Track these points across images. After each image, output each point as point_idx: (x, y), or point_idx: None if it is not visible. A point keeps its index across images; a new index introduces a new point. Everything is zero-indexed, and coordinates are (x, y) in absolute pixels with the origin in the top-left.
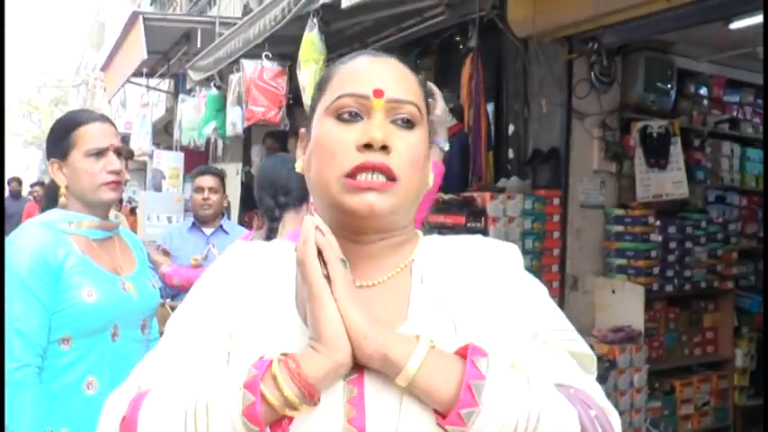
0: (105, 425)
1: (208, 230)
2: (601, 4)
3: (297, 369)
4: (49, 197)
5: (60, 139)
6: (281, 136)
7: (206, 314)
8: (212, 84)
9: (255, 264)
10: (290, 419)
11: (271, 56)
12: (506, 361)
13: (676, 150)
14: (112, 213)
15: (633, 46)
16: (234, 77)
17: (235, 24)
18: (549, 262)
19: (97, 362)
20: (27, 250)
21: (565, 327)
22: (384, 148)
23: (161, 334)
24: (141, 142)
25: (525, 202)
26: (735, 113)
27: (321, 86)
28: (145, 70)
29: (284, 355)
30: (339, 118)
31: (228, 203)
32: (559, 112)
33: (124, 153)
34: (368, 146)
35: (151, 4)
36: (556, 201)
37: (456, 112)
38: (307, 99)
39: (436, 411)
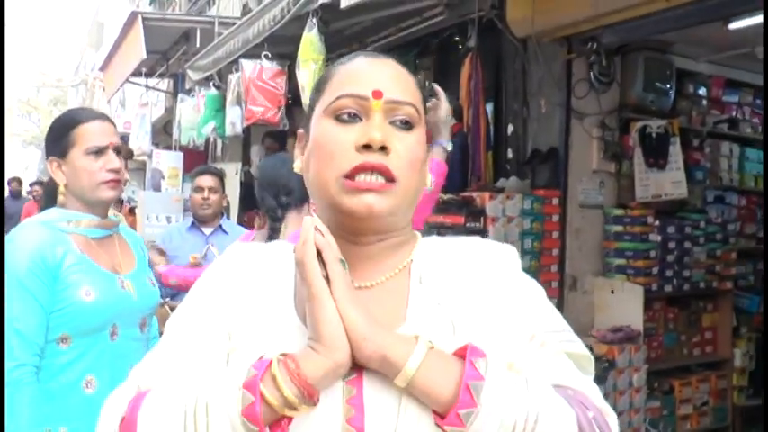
0: (104, 425)
1: (207, 230)
2: (600, 5)
3: (296, 369)
4: (48, 196)
5: (60, 138)
6: (280, 136)
7: (205, 315)
8: (211, 83)
9: (254, 265)
10: (290, 419)
11: (270, 56)
12: (504, 361)
13: (675, 150)
14: (111, 213)
15: (632, 46)
16: (233, 77)
17: (234, 24)
18: (548, 262)
19: (96, 361)
20: (25, 250)
21: (562, 328)
22: (383, 148)
23: (161, 333)
24: (140, 142)
25: (524, 202)
26: (734, 113)
27: (319, 87)
28: (144, 70)
29: (283, 355)
30: (338, 119)
31: (228, 203)
32: (558, 112)
33: (124, 153)
34: (367, 146)
35: (150, 4)
36: (555, 201)
37: (455, 112)
38: (306, 99)
39: (435, 412)
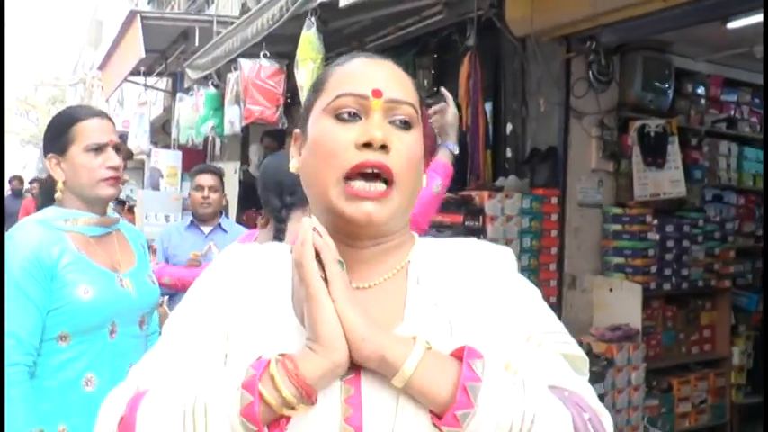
0: (103, 425)
1: (206, 229)
2: (599, 4)
3: (294, 369)
4: (46, 193)
5: (59, 135)
6: (278, 135)
7: (203, 315)
8: (210, 82)
9: (252, 265)
10: (288, 419)
11: (269, 55)
12: (501, 362)
13: (674, 149)
14: (110, 210)
15: (631, 45)
16: (232, 76)
17: (232, 23)
18: (546, 261)
19: (96, 359)
20: (20, 250)
21: (558, 329)
22: (383, 147)
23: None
24: (139, 141)
25: (523, 200)
26: (732, 113)
27: (317, 87)
28: (142, 69)
29: (282, 355)
30: (338, 117)
31: (227, 202)
32: (557, 112)
33: (123, 152)
34: (367, 145)
35: (149, 3)
36: (554, 200)
37: None
38: (304, 98)
39: (432, 412)
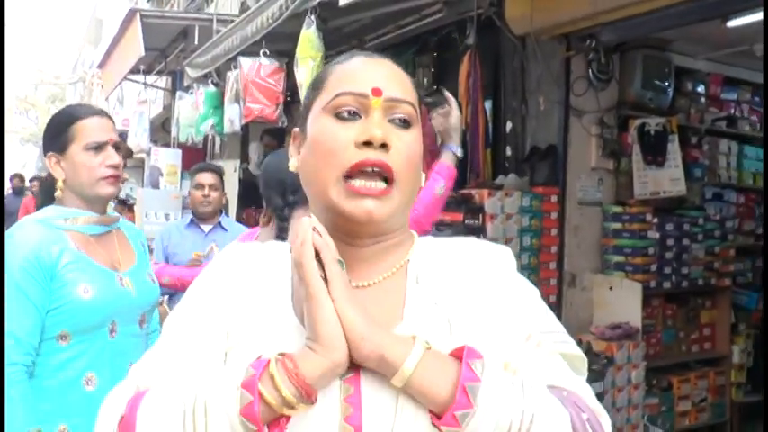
0: (103, 424)
1: (206, 227)
2: (599, 2)
3: (294, 369)
4: (45, 192)
5: (59, 133)
6: (278, 133)
7: (203, 314)
8: (210, 81)
9: (252, 264)
10: (288, 418)
11: (268, 53)
12: (500, 361)
13: (674, 148)
14: (110, 209)
15: (631, 44)
16: (231, 74)
17: (232, 21)
18: (546, 259)
19: (96, 358)
20: (19, 249)
21: (556, 329)
22: (383, 145)
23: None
24: (139, 139)
25: (523, 199)
26: (732, 111)
27: (316, 86)
28: (142, 67)
29: (282, 354)
30: (337, 116)
31: (227, 201)
32: (557, 110)
33: (123, 151)
34: (367, 143)
35: (148, 1)
36: (553, 198)
37: None
38: (304, 96)
39: (431, 411)
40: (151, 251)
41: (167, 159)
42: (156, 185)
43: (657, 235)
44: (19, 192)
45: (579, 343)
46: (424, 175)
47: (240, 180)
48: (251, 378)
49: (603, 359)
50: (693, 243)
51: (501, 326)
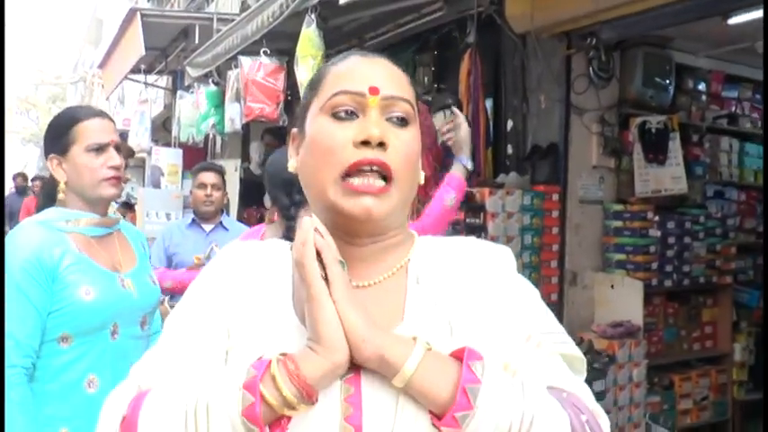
0: (105, 424)
1: (207, 227)
2: (600, 0)
3: (295, 370)
4: (47, 194)
5: (60, 135)
6: (279, 132)
7: (204, 313)
8: (210, 80)
9: (252, 263)
10: (289, 418)
11: (269, 52)
12: (500, 362)
13: (675, 146)
14: (111, 210)
15: (631, 41)
16: (232, 74)
17: (232, 21)
18: (548, 257)
19: (97, 360)
20: (22, 251)
21: (556, 329)
22: (381, 144)
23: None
24: (140, 139)
25: (524, 197)
26: (733, 109)
27: (313, 86)
28: (143, 67)
29: (283, 355)
30: (335, 116)
31: (228, 200)
32: (558, 108)
33: (124, 151)
34: (365, 143)
35: (149, 1)
36: (555, 196)
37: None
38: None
39: (431, 412)
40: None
41: (168, 159)
42: (157, 185)
43: (659, 233)
44: (22, 191)
45: (581, 341)
46: (423, 174)
47: (241, 179)
48: (252, 379)
49: (605, 357)
50: (695, 241)
51: (501, 326)
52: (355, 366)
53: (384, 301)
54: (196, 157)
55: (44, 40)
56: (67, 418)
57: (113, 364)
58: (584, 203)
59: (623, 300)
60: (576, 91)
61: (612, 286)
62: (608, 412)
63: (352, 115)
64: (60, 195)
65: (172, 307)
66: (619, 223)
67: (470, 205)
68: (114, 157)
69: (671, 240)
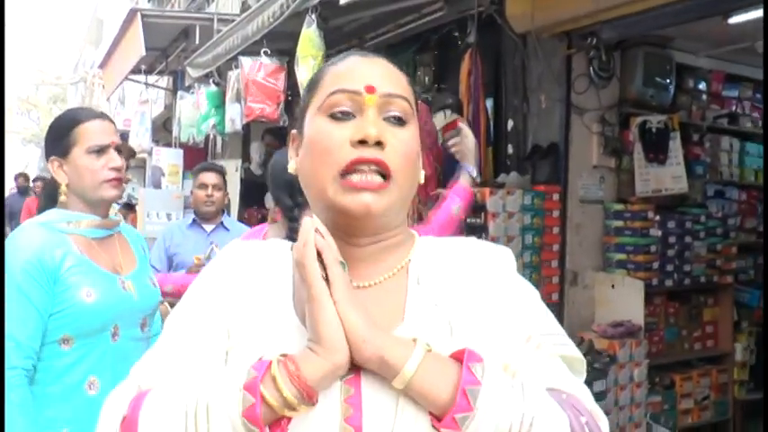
0: (105, 424)
1: (208, 227)
2: (600, 0)
3: (296, 371)
4: (47, 196)
5: (61, 137)
6: (279, 132)
7: (204, 312)
8: (211, 80)
9: (253, 262)
10: (289, 419)
11: (269, 52)
12: (500, 363)
13: (675, 145)
14: (113, 212)
15: (632, 41)
16: (232, 74)
17: (233, 21)
18: (548, 257)
19: (98, 362)
20: (22, 253)
21: (556, 331)
22: (378, 143)
23: None
24: (140, 139)
25: (525, 197)
26: (734, 108)
27: (311, 87)
28: (143, 67)
29: (283, 356)
30: (332, 116)
31: (228, 200)
32: (558, 108)
33: (125, 152)
34: (362, 142)
35: (149, 1)
36: (555, 196)
37: (455, 107)
38: None
39: (431, 413)
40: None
41: (169, 159)
42: (157, 185)
43: (659, 233)
44: (23, 191)
45: (581, 341)
46: (423, 172)
47: (242, 180)
48: (253, 380)
49: (606, 357)
50: (695, 241)
51: (501, 327)
52: (355, 367)
53: (384, 302)
54: (197, 157)
55: (45, 40)
56: (68, 420)
57: (114, 365)
58: (584, 203)
59: (624, 299)
60: (577, 91)
61: (613, 286)
62: (609, 412)
63: (349, 115)
64: (62, 197)
65: (172, 306)
66: (619, 223)
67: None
68: (115, 159)
69: (671, 240)
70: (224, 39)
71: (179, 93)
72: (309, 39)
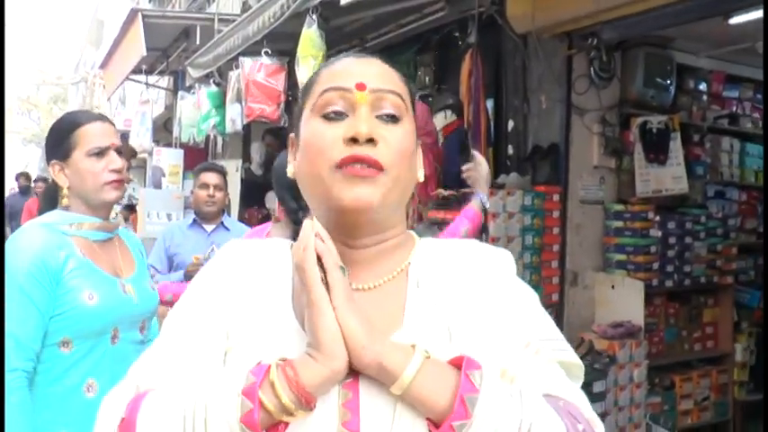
0: (103, 426)
1: (209, 227)
2: (601, 0)
3: (295, 377)
4: (47, 199)
5: (61, 141)
6: (280, 133)
7: (203, 312)
8: (212, 81)
9: (252, 261)
10: (286, 424)
11: (270, 52)
12: (498, 369)
13: (676, 146)
14: (113, 212)
15: (632, 41)
16: (233, 74)
17: (234, 21)
18: (548, 258)
19: (97, 364)
20: (26, 253)
21: (554, 336)
22: (371, 141)
23: None
24: (141, 139)
25: (525, 198)
26: (734, 109)
27: (306, 90)
28: (144, 67)
29: (282, 360)
30: (325, 117)
31: (229, 201)
32: (559, 108)
33: (126, 152)
34: (354, 139)
35: (150, 1)
36: (555, 197)
37: (455, 108)
38: None
39: (429, 419)
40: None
41: (169, 159)
42: (158, 185)
43: (659, 233)
44: (25, 191)
45: (581, 342)
46: (422, 171)
47: (242, 180)
48: (251, 385)
49: (605, 358)
50: (695, 241)
51: (500, 333)
52: (354, 371)
53: (384, 305)
54: (197, 157)
55: (45, 40)
56: (66, 423)
57: (113, 368)
58: (584, 204)
59: (624, 300)
60: (577, 91)
61: (613, 286)
62: (608, 413)
63: (342, 115)
64: (64, 201)
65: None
66: (619, 223)
67: None
68: (116, 161)
69: (672, 240)
70: (225, 39)
71: (180, 93)
72: (310, 39)
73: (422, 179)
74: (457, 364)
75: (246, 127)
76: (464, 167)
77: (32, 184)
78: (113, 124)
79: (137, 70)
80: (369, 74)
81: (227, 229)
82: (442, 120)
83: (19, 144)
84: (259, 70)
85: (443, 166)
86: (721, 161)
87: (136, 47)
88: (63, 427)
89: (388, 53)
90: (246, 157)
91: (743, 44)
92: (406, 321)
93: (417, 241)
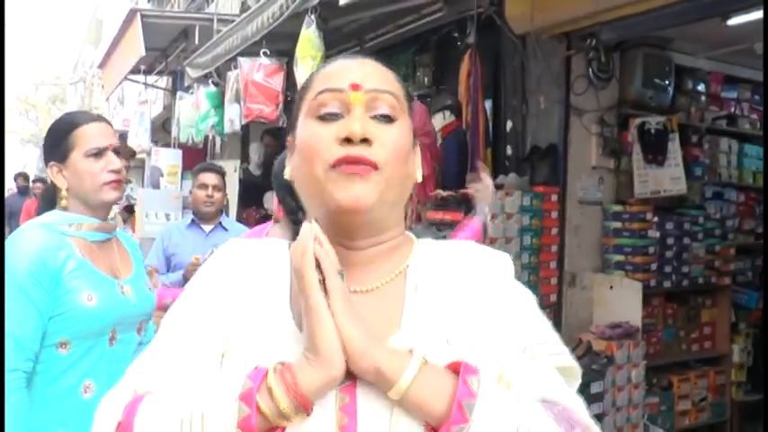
0: (100, 428)
1: (207, 227)
2: (599, 1)
3: (293, 383)
4: (46, 199)
5: (59, 142)
6: (278, 133)
7: (200, 313)
8: (210, 81)
9: (250, 262)
10: (284, 428)
11: (268, 53)
12: (495, 373)
13: (674, 146)
14: (112, 213)
15: (631, 42)
16: (231, 74)
17: (233, 21)
18: (547, 258)
19: (94, 365)
20: (26, 253)
21: (551, 339)
22: (365, 140)
23: None
24: (140, 139)
25: (523, 198)
26: (732, 109)
27: (302, 92)
28: (143, 67)
29: (280, 364)
30: (320, 118)
31: (227, 201)
32: (557, 109)
33: (124, 153)
34: (348, 140)
35: (149, 1)
36: (554, 197)
37: (454, 108)
38: None
39: (426, 423)
40: (156, 271)
41: (168, 159)
42: (156, 186)
43: (658, 234)
44: (23, 191)
45: (579, 342)
46: (420, 171)
47: (240, 180)
48: (249, 390)
49: (603, 358)
50: (694, 242)
51: (497, 337)
52: (351, 376)
53: (382, 308)
54: (195, 157)
55: (44, 40)
56: (63, 423)
57: (110, 369)
58: (583, 204)
59: (622, 301)
60: (576, 92)
61: (611, 287)
62: (606, 413)
63: (337, 116)
64: (63, 202)
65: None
66: (618, 224)
67: (470, 206)
68: (114, 161)
69: (670, 241)
70: (223, 39)
71: (178, 93)
72: (309, 39)
73: (420, 179)
74: (454, 369)
75: (245, 127)
76: (471, 186)
77: (31, 185)
78: (111, 124)
79: (135, 70)
80: (363, 74)
81: (225, 229)
82: (440, 120)
83: (17, 144)
84: (258, 70)
85: (442, 166)
86: (719, 162)
87: (134, 47)
88: (60, 428)
89: (387, 54)
90: (245, 158)
91: (741, 45)
92: (403, 324)
93: (416, 243)
